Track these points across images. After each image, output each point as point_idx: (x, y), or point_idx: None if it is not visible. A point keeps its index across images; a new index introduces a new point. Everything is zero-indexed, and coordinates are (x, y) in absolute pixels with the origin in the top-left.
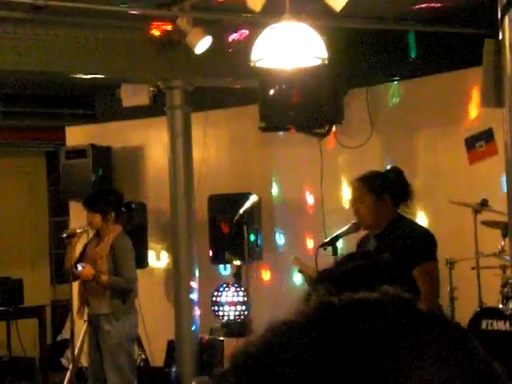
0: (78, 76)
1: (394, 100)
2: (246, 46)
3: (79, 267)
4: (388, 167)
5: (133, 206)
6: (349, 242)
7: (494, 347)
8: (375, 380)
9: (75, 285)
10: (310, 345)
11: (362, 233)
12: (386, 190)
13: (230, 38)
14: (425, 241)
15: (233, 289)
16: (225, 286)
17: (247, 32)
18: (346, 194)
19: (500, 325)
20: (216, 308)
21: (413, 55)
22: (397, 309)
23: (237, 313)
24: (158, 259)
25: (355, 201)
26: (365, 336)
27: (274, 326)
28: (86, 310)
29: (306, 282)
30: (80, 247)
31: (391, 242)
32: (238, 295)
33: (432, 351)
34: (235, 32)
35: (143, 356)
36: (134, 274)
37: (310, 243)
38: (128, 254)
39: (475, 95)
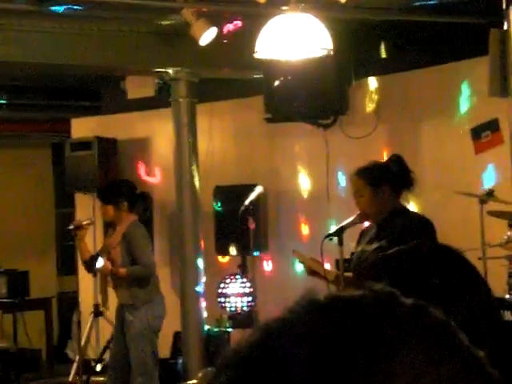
0: (82, 68)
1: (399, 90)
2: (251, 37)
3: (97, 265)
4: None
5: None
6: (355, 232)
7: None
8: (359, 373)
9: (81, 277)
10: (298, 342)
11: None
12: (383, 180)
13: (225, 29)
14: (420, 227)
15: (238, 280)
16: (231, 277)
17: (240, 23)
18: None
19: (507, 315)
20: (222, 299)
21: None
22: (378, 303)
23: (243, 304)
24: (164, 250)
25: (355, 194)
26: (347, 331)
27: (264, 325)
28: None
29: (306, 272)
30: (90, 240)
31: (390, 230)
32: (243, 286)
33: (413, 341)
34: (230, 22)
35: None
36: (152, 259)
37: (315, 234)
38: (141, 240)
39: (481, 85)
